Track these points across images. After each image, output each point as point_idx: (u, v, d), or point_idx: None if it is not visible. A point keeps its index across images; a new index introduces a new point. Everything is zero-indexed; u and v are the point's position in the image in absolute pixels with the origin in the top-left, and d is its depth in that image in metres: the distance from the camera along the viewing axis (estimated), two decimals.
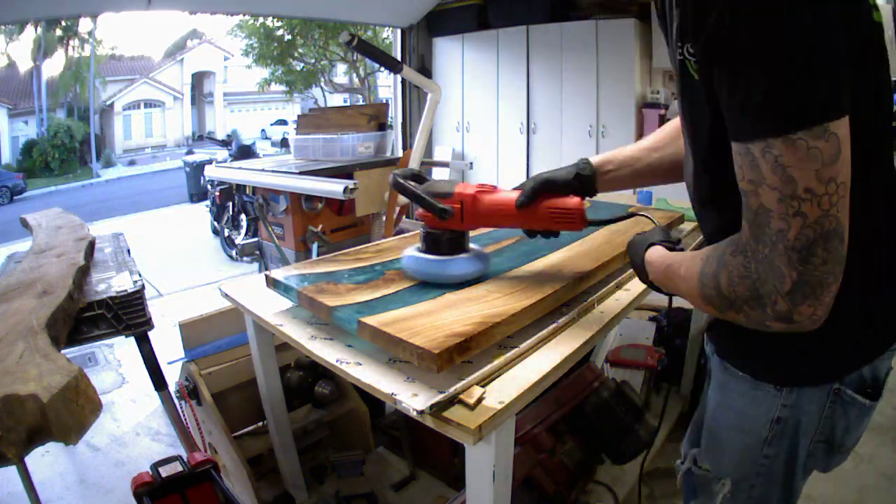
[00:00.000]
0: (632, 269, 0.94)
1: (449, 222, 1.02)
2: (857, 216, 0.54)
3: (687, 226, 1.67)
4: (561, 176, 0.99)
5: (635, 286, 1.24)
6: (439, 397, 0.79)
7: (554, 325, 1.00)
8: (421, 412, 0.77)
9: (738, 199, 0.57)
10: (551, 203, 0.97)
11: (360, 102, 12.61)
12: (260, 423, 1.72)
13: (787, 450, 0.76)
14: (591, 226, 0.99)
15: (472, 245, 1.09)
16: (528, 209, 0.98)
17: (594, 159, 1.02)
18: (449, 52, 4.97)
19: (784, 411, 0.73)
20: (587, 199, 1.01)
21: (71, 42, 15.57)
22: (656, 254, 0.81)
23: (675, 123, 0.97)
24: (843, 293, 0.55)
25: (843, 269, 0.53)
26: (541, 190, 0.98)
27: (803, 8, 0.48)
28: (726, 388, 0.79)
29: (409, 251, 1.09)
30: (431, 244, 1.05)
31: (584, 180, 1.01)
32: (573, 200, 0.97)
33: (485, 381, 0.84)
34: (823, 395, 0.72)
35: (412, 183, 1.03)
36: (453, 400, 0.79)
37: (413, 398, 0.80)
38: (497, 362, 0.87)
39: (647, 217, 0.98)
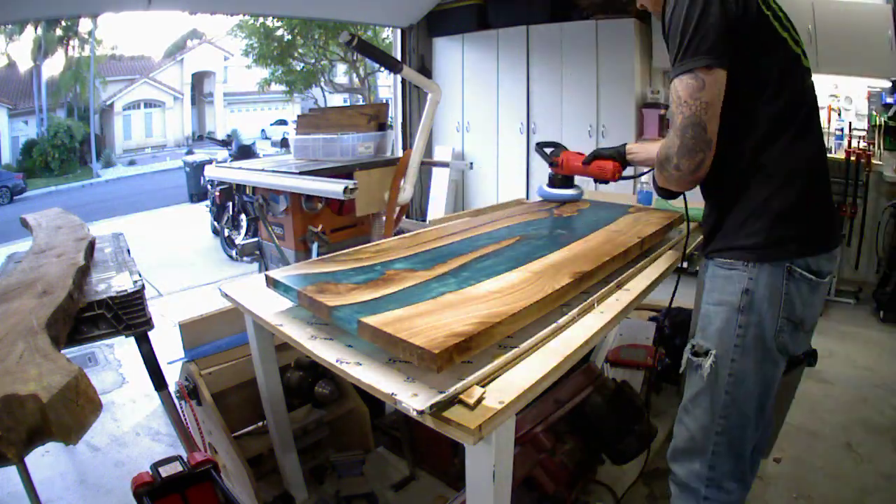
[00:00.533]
0: (633, 268, 1.16)
1: (557, 170, 1.81)
2: (778, 152, 1.00)
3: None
4: (608, 150, 1.54)
5: (635, 286, 1.24)
6: (439, 397, 0.79)
7: (554, 325, 1.00)
8: (421, 412, 0.77)
9: (722, 129, 0.99)
10: (599, 163, 1.57)
11: (360, 102, 12.61)
12: (260, 423, 1.72)
13: (756, 322, 1.02)
14: (622, 179, 1.54)
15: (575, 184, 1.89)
16: (588, 165, 1.60)
17: (629, 144, 1.51)
18: (449, 52, 4.96)
19: (751, 283, 1.02)
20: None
21: (71, 42, 15.55)
22: (637, 144, 1.43)
23: None
24: (780, 205, 1.00)
25: (711, 149, 0.97)
26: (594, 156, 1.57)
27: (695, 8, 0.94)
28: (713, 278, 1.09)
29: (540, 187, 1.92)
30: (554, 182, 1.88)
31: (621, 156, 1.51)
32: (609, 164, 1.54)
33: (485, 381, 0.84)
34: (779, 272, 1.01)
35: (547, 149, 1.80)
36: (453, 400, 0.79)
37: (413, 398, 0.80)
38: (497, 362, 0.87)
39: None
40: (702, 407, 1.10)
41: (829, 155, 3.48)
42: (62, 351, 0.98)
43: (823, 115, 3.65)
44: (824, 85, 3.62)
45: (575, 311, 1.06)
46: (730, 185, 1.06)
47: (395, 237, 1.60)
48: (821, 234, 1.04)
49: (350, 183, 2.25)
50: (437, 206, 5.16)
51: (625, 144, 1.51)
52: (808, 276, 1.01)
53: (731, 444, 1.09)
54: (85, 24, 15.09)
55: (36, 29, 14.26)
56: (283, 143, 14.54)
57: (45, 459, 1.99)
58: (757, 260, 1.01)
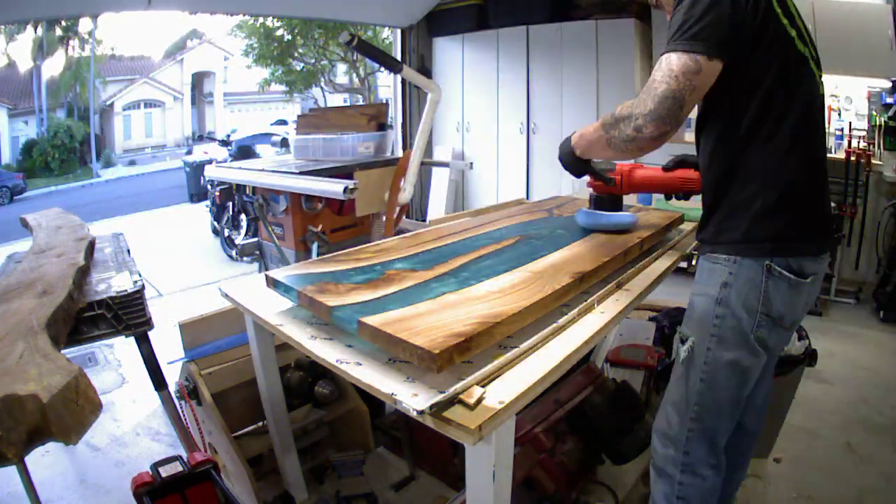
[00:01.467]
0: (633, 268, 1.15)
1: (615, 189, 1.46)
2: (768, 155, 1.01)
3: (687, 226, 1.67)
4: (692, 157, 1.36)
5: (635, 286, 1.24)
6: (439, 397, 0.78)
7: (554, 325, 1.00)
8: (421, 412, 0.77)
9: (714, 125, 1.07)
10: (682, 172, 1.40)
11: (360, 102, 12.61)
12: (260, 423, 1.72)
13: (732, 314, 1.05)
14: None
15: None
16: (669, 172, 1.43)
17: None
18: (449, 52, 4.96)
19: (730, 277, 1.04)
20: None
21: (71, 42, 15.55)
22: (575, 134, 1.25)
23: None
24: (762, 204, 1.01)
25: (676, 129, 0.98)
26: (678, 163, 1.42)
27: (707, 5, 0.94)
28: (700, 270, 1.13)
29: (581, 211, 1.53)
30: (602, 204, 1.48)
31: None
32: (695, 172, 1.33)
33: (485, 381, 0.84)
34: (758, 268, 1.02)
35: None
36: (453, 400, 0.79)
37: (413, 398, 0.80)
38: (497, 362, 0.87)
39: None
40: (679, 392, 1.15)
41: (829, 155, 3.50)
42: (62, 351, 0.98)
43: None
44: (824, 85, 3.61)
45: (575, 311, 1.06)
46: (718, 182, 1.07)
47: (395, 237, 1.60)
48: (803, 237, 1.04)
49: (350, 183, 2.25)
50: (437, 206, 5.16)
51: None
52: (787, 276, 1.03)
53: (704, 431, 1.12)
54: (85, 24, 15.09)
55: (36, 29, 14.26)
56: (283, 143, 14.53)
57: (45, 459, 1.99)
58: (735, 254, 1.04)
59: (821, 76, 1.10)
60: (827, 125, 3.59)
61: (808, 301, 1.12)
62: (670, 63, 0.95)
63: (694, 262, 1.57)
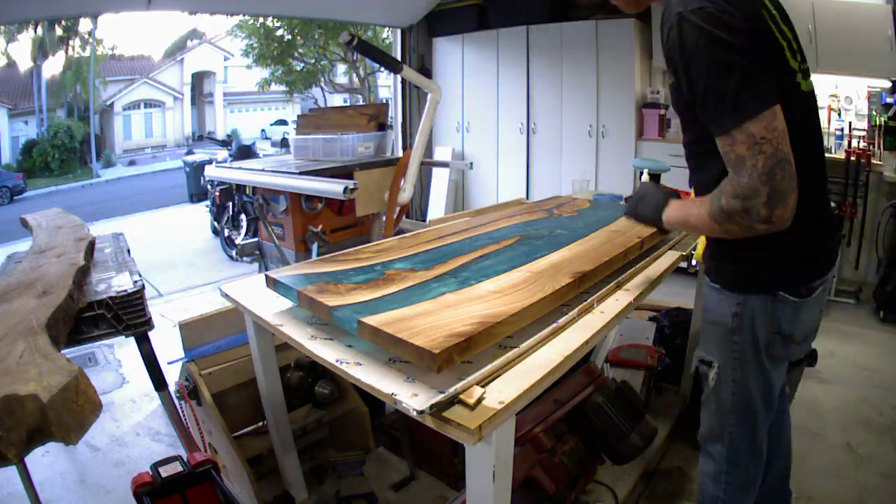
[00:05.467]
0: (633, 268, 1.13)
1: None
2: None
3: None
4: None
5: (635, 286, 1.24)
6: (439, 397, 0.79)
7: (554, 325, 1.00)
8: (421, 412, 0.77)
9: (700, 159, 1.04)
10: None
11: (360, 102, 12.60)
12: (260, 423, 1.72)
13: (749, 338, 1.07)
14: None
15: None
16: None
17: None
18: (449, 52, 4.96)
19: (738, 308, 1.06)
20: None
21: (71, 42, 15.55)
22: (675, 204, 1.11)
23: None
24: (765, 245, 0.96)
25: (796, 185, 0.85)
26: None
27: (731, 50, 0.86)
28: (707, 297, 1.14)
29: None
30: None
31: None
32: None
33: (485, 381, 0.84)
34: (763, 297, 1.04)
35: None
36: (453, 400, 0.79)
37: (413, 398, 0.80)
38: (497, 362, 0.87)
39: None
40: (713, 406, 1.18)
41: (829, 155, 3.50)
42: (62, 351, 0.98)
43: (823, 115, 3.65)
44: (824, 85, 3.62)
45: (575, 311, 1.06)
46: None
47: (395, 237, 1.60)
48: (807, 265, 1.04)
49: (350, 183, 2.26)
50: (437, 206, 5.16)
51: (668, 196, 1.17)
52: (791, 300, 1.03)
53: (743, 432, 1.16)
54: (85, 24, 15.08)
55: (36, 29, 14.26)
56: (283, 143, 14.53)
57: (45, 459, 1.99)
58: (740, 292, 1.06)
59: (808, 87, 1.02)
60: (826, 125, 3.62)
61: (820, 308, 1.13)
62: (749, 134, 0.84)
63: (693, 263, 1.58)
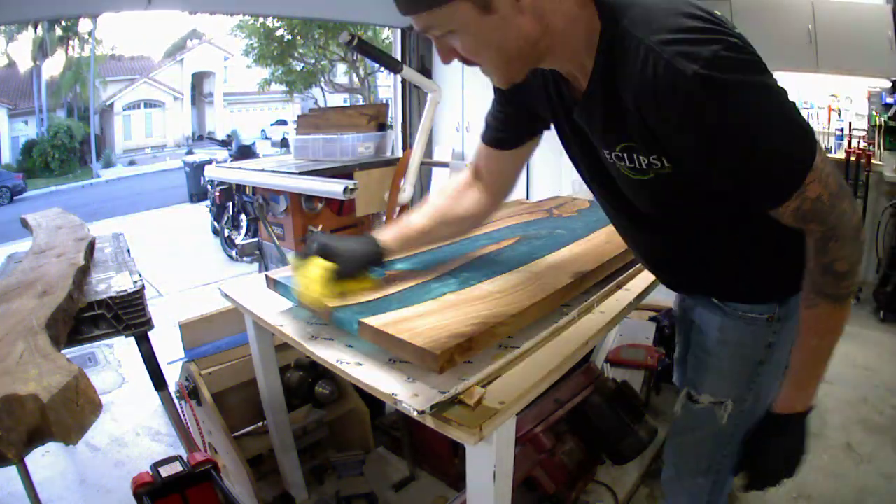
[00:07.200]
0: (633, 268, 1.12)
1: None
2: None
3: None
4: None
5: (635, 286, 1.24)
6: (440, 398, 0.78)
7: (554, 326, 1.00)
8: (422, 412, 0.77)
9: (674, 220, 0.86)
10: None
11: (360, 102, 12.60)
12: (260, 423, 1.72)
13: (774, 369, 0.92)
14: None
15: None
16: None
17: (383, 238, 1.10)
18: None
19: (774, 337, 0.90)
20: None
21: (71, 42, 15.55)
22: (793, 389, 0.87)
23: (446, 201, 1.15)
24: (797, 264, 0.78)
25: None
26: None
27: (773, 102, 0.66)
28: (724, 330, 0.94)
29: None
30: None
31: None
32: None
33: (485, 382, 0.84)
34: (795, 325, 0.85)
35: None
36: (454, 400, 0.79)
37: (414, 398, 0.80)
38: (498, 363, 0.87)
39: None
40: (709, 444, 1.01)
41: (829, 155, 3.50)
42: (62, 351, 0.97)
43: (823, 114, 3.66)
44: (824, 85, 3.62)
45: (575, 311, 1.06)
46: (728, 257, 0.89)
47: None
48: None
49: (350, 183, 2.26)
50: None
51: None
52: None
53: (732, 458, 1.01)
54: (85, 24, 15.08)
55: (36, 29, 14.25)
56: (283, 143, 14.54)
57: (45, 459, 1.99)
58: (778, 298, 0.90)
59: None
60: (826, 125, 3.62)
61: None
62: (825, 185, 0.70)
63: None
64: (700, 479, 1.03)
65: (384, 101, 5.16)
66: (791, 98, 0.69)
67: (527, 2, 0.68)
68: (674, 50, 0.62)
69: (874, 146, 3.45)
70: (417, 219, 1.12)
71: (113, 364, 2.81)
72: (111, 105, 17.26)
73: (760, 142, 0.66)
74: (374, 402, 1.84)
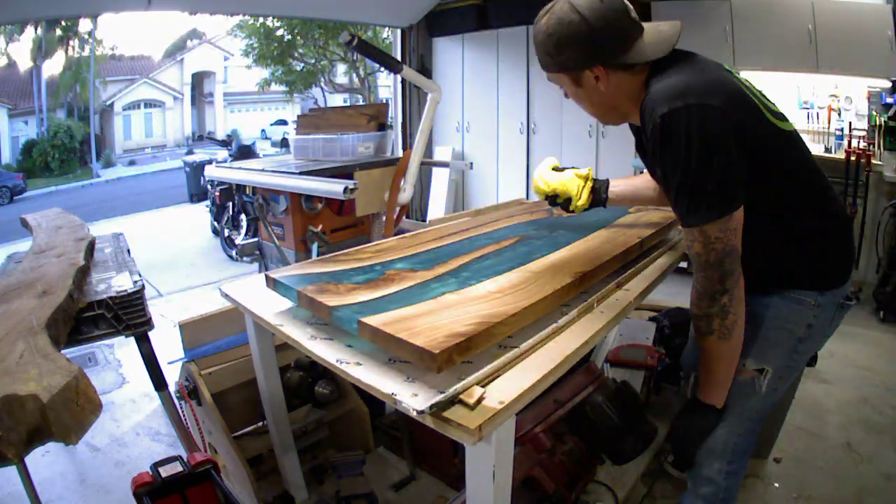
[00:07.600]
0: (633, 268, 1.22)
1: None
2: (804, 217, 1.06)
3: None
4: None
5: (635, 286, 1.24)
6: (439, 397, 0.78)
7: (554, 325, 1.00)
8: (421, 412, 0.77)
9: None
10: None
11: (360, 102, 12.60)
12: (260, 423, 1.72)
13: (807, 350, 1.13)
14: None
15: None
16: None
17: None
18: (449, 52, 4.96)
19: (813, 319, 1.09)
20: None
21: (71, 42, 15.55)
22: (708, 385, 1.12)
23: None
24: (832, 250, 1.09)
25: (741, 266, 0.99)
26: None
27: (711, 158, 0.93)
28: (774, 306, 1.11)
29: None
30: None
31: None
32: None
33: (485, 381, 0.84)
34: (835, 305, 1.10)
35: None
36: (453, 400, 0.79)
37: (413, 398, 0.80)
38: (497, 362, 0.87)
39: None
40: (740, 415, 1.15)
41: (829, 155, 3.50)
42: (62, 351, 0.98)
43: (823, 114, 3.66)
44: (824, 85, 3.62)
45: (575, 311, 1.06)
46: (784, 243, 1.08)
47: (395, 237, 1.60)
48: (840, 266, 1.13)
49: (350, 183, 2.26)
50: (437, 206, 5.16)
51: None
52: (848, 304, 1.12)
53: (749, 440, 1.18)
54: (85, 24, 15.09)
55: (36, 29, 14.25)
56: (283, 143, 14.54)
57: (45, 459, 1.99)
58: (822, 292, 1.08)
59: (790, 128, 1.08)
60: (826, 125, 3.63)
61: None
62: (705, 235, 0.96)
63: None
64: (715, 465, 1.16)
65: (384, 101, 5.16)
66: (734, 156, 0.94)
67: (604, 83, 1.06)
68: (655, 103, 0.97)
69: (874, 146, 3.44)
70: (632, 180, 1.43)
71: (113, 364, 2.81)
72: (111, 105, 17.26)
73: (671, 178, 0.97)
74: (374, 402, 1.85)
